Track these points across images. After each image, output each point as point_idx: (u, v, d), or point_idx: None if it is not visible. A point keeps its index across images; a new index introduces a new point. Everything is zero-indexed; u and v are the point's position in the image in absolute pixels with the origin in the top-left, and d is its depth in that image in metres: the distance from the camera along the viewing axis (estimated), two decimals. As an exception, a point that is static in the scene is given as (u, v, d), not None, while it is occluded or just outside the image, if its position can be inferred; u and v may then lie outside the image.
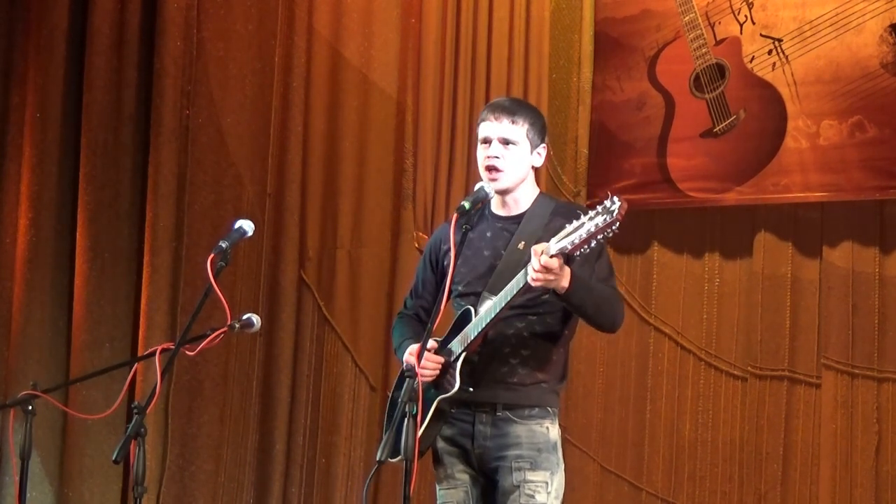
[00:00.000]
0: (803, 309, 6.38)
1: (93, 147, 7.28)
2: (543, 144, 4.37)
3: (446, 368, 4.22)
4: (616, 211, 3.86)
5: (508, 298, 4.12)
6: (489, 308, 4.18)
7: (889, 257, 6.28)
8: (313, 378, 7.12)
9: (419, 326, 4.45)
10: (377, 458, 3.87)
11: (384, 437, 3.94)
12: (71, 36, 7.37)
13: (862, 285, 6.28)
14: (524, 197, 4.36)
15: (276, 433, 7.07)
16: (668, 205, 6.61)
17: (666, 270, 6.60)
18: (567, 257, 4.03)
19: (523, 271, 4.06)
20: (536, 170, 4.40)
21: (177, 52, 7.27)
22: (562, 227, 4.02)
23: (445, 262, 4.39)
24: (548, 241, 4.07)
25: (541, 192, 4.42)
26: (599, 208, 3.90)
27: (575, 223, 3.95)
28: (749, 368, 6.44)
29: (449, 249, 4.32)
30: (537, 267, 3.97)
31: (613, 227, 3.90)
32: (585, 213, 3.96)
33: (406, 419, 3.85)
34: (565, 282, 4.05)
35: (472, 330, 4.21)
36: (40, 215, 7.29)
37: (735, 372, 6.48)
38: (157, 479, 7.06)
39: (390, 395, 4.43)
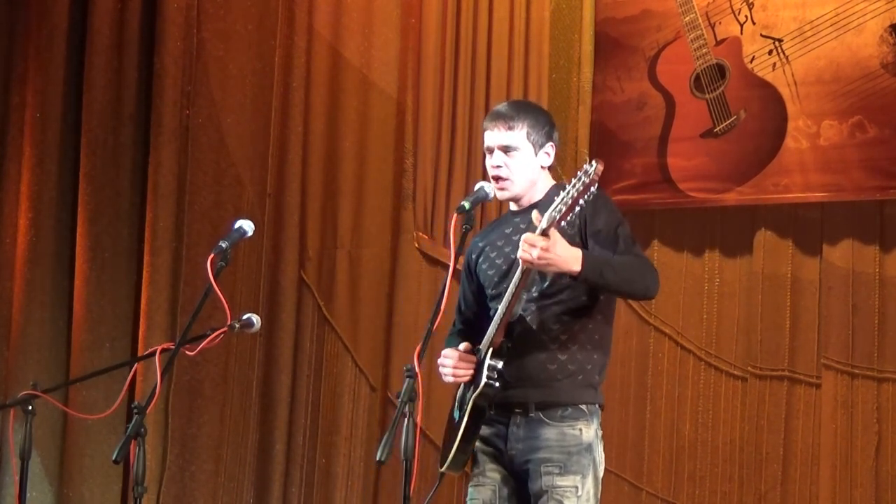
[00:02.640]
0: (803, 309, 6.38)
1: (93, 147, 7.28)
2: (551, 143, 4.34)
3: (478, 368, 4.20)
4: (592, 172, 3.88)
5: (516, 285, 4.08)
6: (503, 300, 4.15)
7: (889, 257, 6.28)
8: (313, 378, 7.12)
9: (463, 339, 4.40)
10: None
11: (384, 437, 3.91)
12: (71, 36, 7.37)
13: (862, 285, 6.28)
14: (537, 192, 4.34)
15: (276, 433, 7.07)
16: (668, 205, 6.61)
17: (666, 270, 6.59)
18: (592, 214, 4.07)
19: None
20: (551, 168, 4.38)
21: (177, 52, 7.27)
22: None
23: (478, 271, 4.39)
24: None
25: (555, 184, 4.39)
26: (580, 173, 3.91)
27: (562, 194, 3.95)
28: (749, 368, 6.44)
29: (479, 256, 4.36)
30: (523, 238, 3.98)
31: (592, 189, 3.89)
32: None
33: (407, 420, 3.85)
34: (575, 265, 4.02)
35: (491, 327, 4.17)
36: (40, 215, 7.29)
37: (735, 372, 6.48)
38: (157, 479, 7.06)
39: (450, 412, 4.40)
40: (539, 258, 3.97)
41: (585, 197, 3.91)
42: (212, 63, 7.30)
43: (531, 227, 4.12)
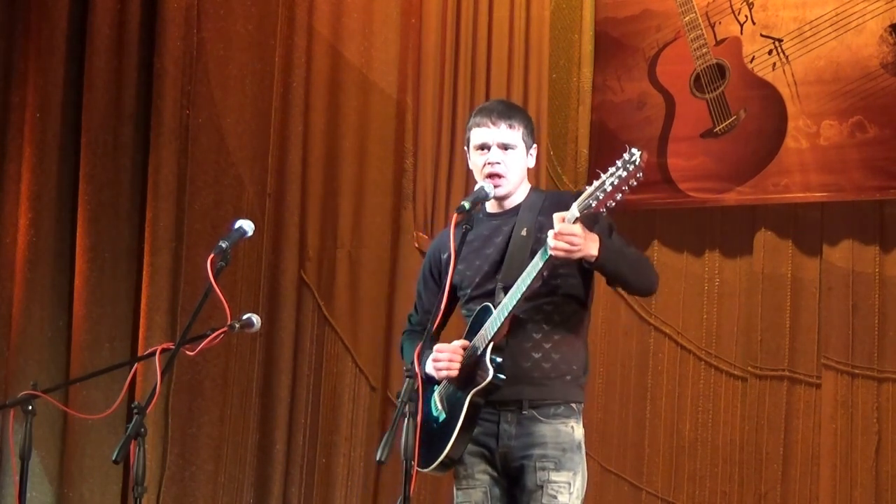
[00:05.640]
0: (803, 309, 6.38)
1: (93, 147, 7.28)
2: (535, 145, 4.40)
3: (474, 365, 4.18)
4: (637, 160, 3.89)
5: (532, 278, 4.09)
6: (511, 292, 4.13)
7: (889, 257, 6.28)
8: (313, 378, 7.12)
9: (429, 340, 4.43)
10: (376, 458, 3.85)
11: (384, 437, 3.91)
12: (71, 36, 7.37)
13: (862, 285, 6.28)
14: (518, 195, 4.38)
15: (276, 433, 7.07)
16: (668, 205, 6.61)
17: (666, 270, 6.59)
18: (592, 218, 4.03)
19: (542, 249, 4.06)
20: (529, 170, 4.42)
21: (177, 52, 7.27)
22: (555, 210, 4.08)
23: (447, 271, 4.39)
24: (549, 222, 4.10)
25: (532, 187, 4.44)
26: (619, 162, 3.93)
27: (595, 183, 3.96)
28: (749, 368, 6.44)
29: (449, 257, 4.34)
30: (557, 230, 3.97)
31: (638, 176, 3.90)
32: (573, 195, 4.03)
33: (406, 420, 3.85)
34: (594, 249, 4.05)
35: (494, 321, 4.16)
36: (40, 215, 7.29)
37: (735, 372, 6.48)
38: (157, 479, 7.06)
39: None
40: (573, 245, 4.00)
41: (630, 184, 3.92)
42: (212, 63, 7.30)
43: (520, 226, 4.21)
